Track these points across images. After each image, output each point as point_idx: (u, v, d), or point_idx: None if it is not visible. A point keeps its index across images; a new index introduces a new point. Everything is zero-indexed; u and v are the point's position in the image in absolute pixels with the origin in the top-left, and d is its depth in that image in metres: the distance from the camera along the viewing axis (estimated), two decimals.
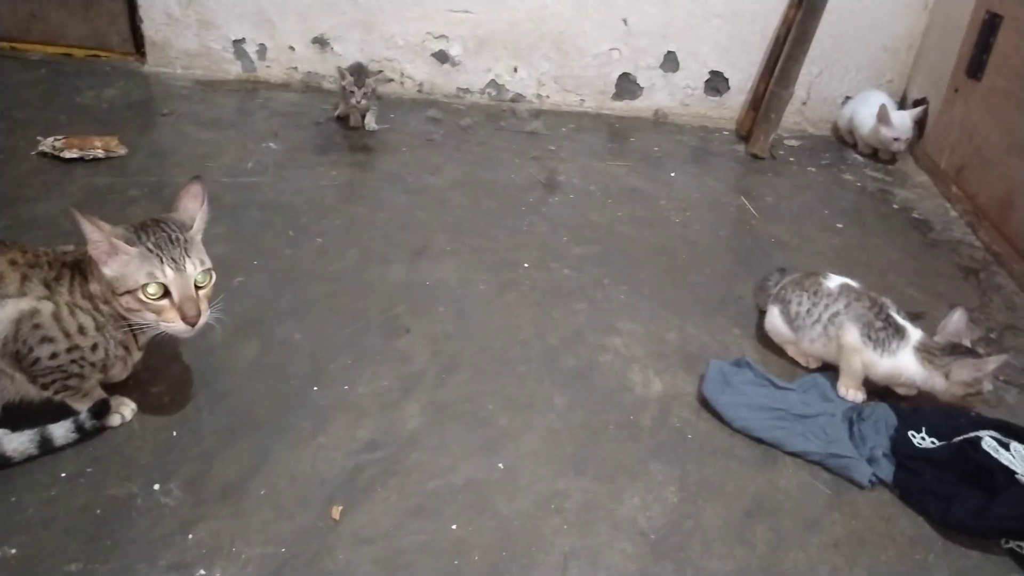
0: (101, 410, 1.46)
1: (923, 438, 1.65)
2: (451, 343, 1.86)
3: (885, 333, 1.74)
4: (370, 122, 2.96)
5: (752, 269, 2.27)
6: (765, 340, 1.97)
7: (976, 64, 2.83)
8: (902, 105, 3.31)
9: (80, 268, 1.38)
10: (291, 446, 1.52)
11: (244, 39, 3.25)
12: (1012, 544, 1.46)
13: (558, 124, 3.25)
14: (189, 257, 1.34)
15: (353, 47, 3.25)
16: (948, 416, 1.70)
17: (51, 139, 2.51)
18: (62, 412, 1.45)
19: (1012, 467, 1.51)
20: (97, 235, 1.28)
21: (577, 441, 1.62)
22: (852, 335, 1.76)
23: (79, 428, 1.44)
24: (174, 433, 1.52)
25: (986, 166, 2.70)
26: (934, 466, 1.57)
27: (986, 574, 1.43)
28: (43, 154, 2.47)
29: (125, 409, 1.52)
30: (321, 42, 3.26)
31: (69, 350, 1.36)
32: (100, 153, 2.50)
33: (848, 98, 3.38)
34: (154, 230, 1.34)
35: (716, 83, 3.39)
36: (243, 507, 1.38)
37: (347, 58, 3.14)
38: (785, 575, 1.38)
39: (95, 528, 1.31)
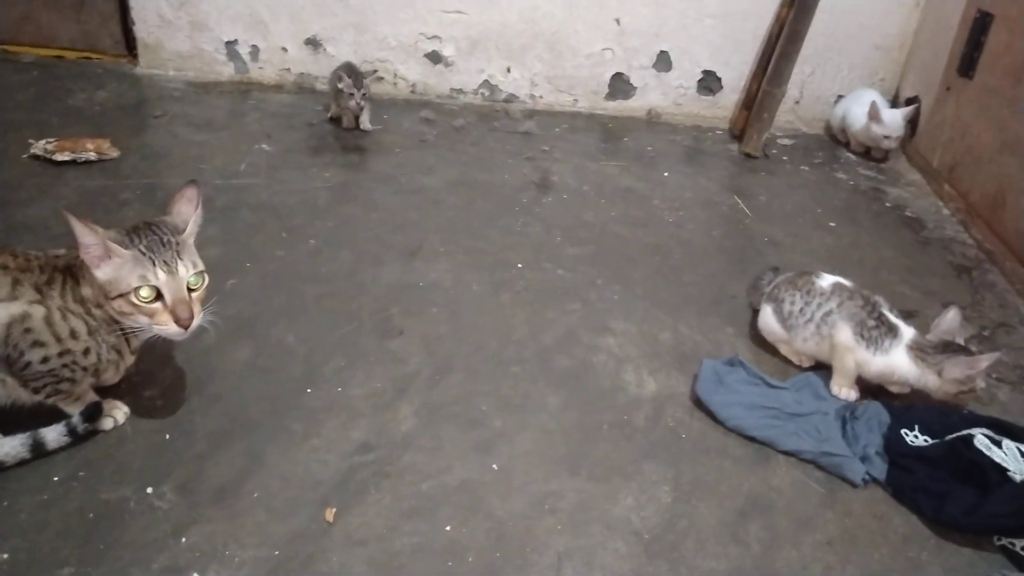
0: (93, 414, 1.45)
1: (916, 436, 1.65)
2: (445, 344, 1.86)
3: (878, 332, 1.74)
4: (365, 122, 2.96)
5: (745, 268, 2.27)
6: (758, 339, 1.97)
7: (968, 62, 2.84)
8: (894, 103, 3.31)
9: (72, 272, 1.37)
10: (284, 448, 1.52)
11: (237, 40, 3.25)
12: (1004, 541, 1.47)
13: (551, 124, 3.26)
14: (181, 260, 1.34)
15: (346, 48, 3.25)
16: (941, 414, 1.70)
17: (43, 142, 2.50)
18: (54, 416, 1.44)
19: (1004, 464, 1.51)
20: (92, 238, 1.28)
21: (571, 441, 1.62)
22: (845, 334, 1.77)
23: (71, 432, 1.43)
24: (167, 436, 1.51)
25: (978, 164, 2.71)
26: (927, 464, 1.57)
27: (979, 571, 1.43)
28: (35, 157, 2.46)
29: (118, 412, 1.52)
30: (314, 43, 3.25)
31: (61, 354, 1.35)
32: (92, 156, 2.49)
33: (841, 97, 3.38)
34: (146, 233, 1.34)
35: (709, 82, 3.40)
36: (236, 510, 1.38)
37: (340, 59, 3.13)
38: (778, 574, 1.39)
39: (88, 532, 1.31)
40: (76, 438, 1.44)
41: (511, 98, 3.40)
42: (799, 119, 3.48)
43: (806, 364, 1.90)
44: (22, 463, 1.40)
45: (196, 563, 1.27)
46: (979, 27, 2.79)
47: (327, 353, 1.78)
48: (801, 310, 1.84)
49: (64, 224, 1.27)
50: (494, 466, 1.54)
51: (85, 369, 1.40)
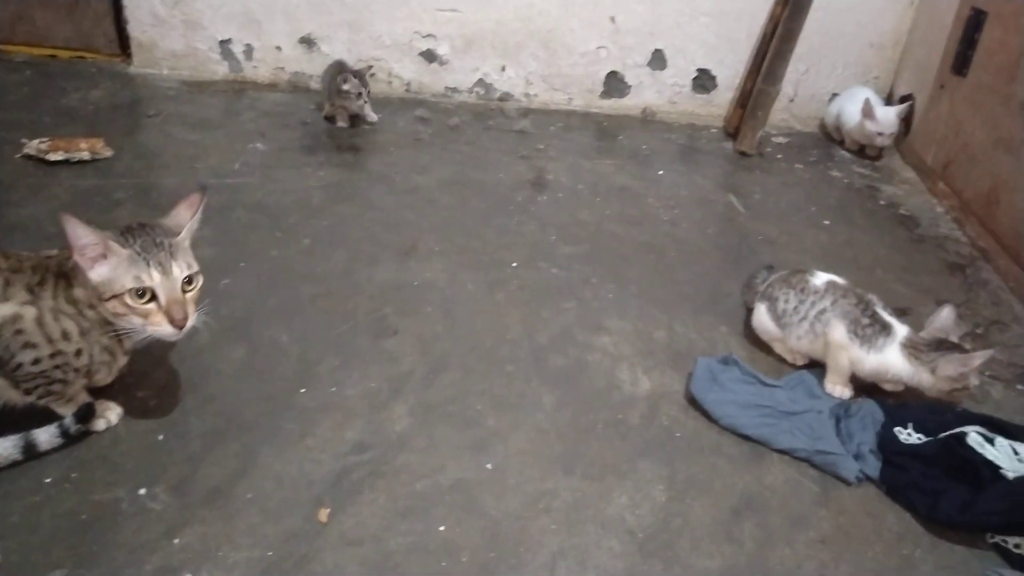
0: (86, 414, 1.45)
1: (909, 434, 1.66)
2: (439, 343, 1.86)
3: (871, 330, 1.75)
4: (371, 114, 3.00)
5: (740, 266, 2.28)
6: (752, 337, 1.97)
7: (961, 60, 2.84)
8: (889, 101, 3.32)
9: (64, 273, 1.37)
10: (278, 449, 1.51)
11: (231, 39, 3.24)
12: (997, 539, 1.47)
13: (546, 123, 3.25)
14: (175, 260, 1.33)
15: (340, 47, 3.25)
16: (934, 412, 1.71)
17: (36, 141, 2.49)
18: (47, 417, 1.44)
19: (997, 462, 1.51)
20: (92, 238, 1.28)
21: (565, 440, 1.62)
22: (839, 332, 1.77)
23: (64, 433, 1.43)
24: (160, 437, 1.51)
25: (972, 162, 2.72)
26: (920, 462, 1.57)
27: (972, 569, 1.43)
28: (28, 157, 2.45)
29: (111, 413, 1.51)
30: (308, 42, 3.25)
31: (52, 356, 1.35)
32: (86, 155, 2.48)
33: (835, 95, 3.39)
34: (139, 233, 1.33)
35: (704, 81, 3.40)
36: (230, 511, 1.37)
37: (335, 58, 3.12)
38: (772, 572, 1.39)
39: (80, 533, 1.30)
40: (69, 439, 1.44)
41: (506, 97, 3.40)
42: (794, 117, 3.48)
43: (800, 362, 1.91)
44: (14, 465, 1.39)
45: (189, 564, 1.27)
46: (973, 24, 2.80)
47: (321, 353, 1.78)
48: (795, 308, 1.84)
49: (59, 225, 1.26)
50: (488, 465, 1.54)
51: (77, 370, 1.40)
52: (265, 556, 1.30)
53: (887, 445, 1.63)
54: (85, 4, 3.19)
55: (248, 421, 1.57)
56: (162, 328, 1.33)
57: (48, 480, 1.39)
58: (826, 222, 2.66)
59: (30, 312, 1.32)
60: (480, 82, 3.37)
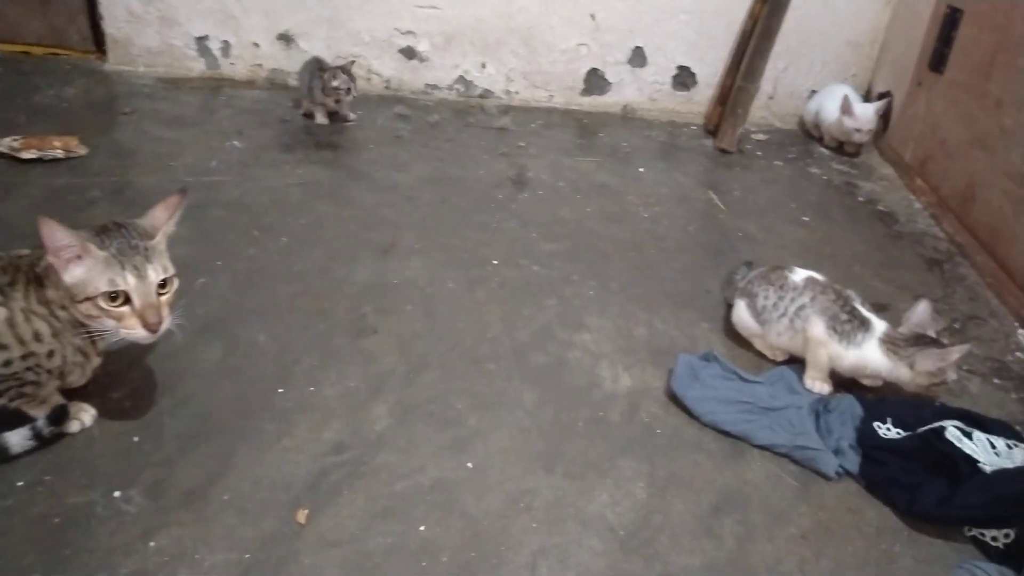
0: (59, 416, 1.43)
1: (888, 429, 1.67)
2: (419, 342, 1.85)
3: (850, 325, 1.75)
4: (349, 112, 2.99)
5: (720, 263, 2.28)
6: (733, 334, 1.98)
7: (938, 58, 2.87)
8: (867, 98, 3.34)
9: (36, 273, 1.34)
10: (255, 450, 1.49)
11: (207, 36, 3.20)
12: (975, 532, 1.48)
13: (527, 120, 3.25)
14: (151, 264, 1.31)
15: (319, 43, 3.22)
16: (913, 406, 1.72)
17: (8, 139, 2.44)
18: (18, 419, 1.41)
19: (975, 456, 1.53)
20: (69, 240, 1.25)
21: (546, 438, 1.62)
22: (818, 328, 1.78)
23: (37, 435, 1.40)
24: (135, 439, 1.49)
25: (949, 158, 2.74)
26: (899, 456, 1.58)
27: (950, 562, 1.44)
28: (0, 155, 2.41)
29: (84, 415, 1.49)
30: (286, 39, 3.22)
31: (24, 357, 1.32)
32: (59, 153, 2.44)
33: (814, 92, 3.41)
34: (116, 235, 1.31)
35: (683, 78, 3.40)
36: (206, 513, 1.35)
37: (312, 55, 3.09)
38: (753, 568, 1.39)
39: (54, 537, 1.28)
40: (41, 442, 1.41)
41: (486, 94, 3.38)
42: (773, 114, 3.50)
43: (780, 358, 1.91)
44: None
45: (165, 567, 1.25)
46: (949, 22, 2.82)
47: (299, 352, 1.76)
48: (775, 304, 1.84)
49: (33, 225, 1.23)
50: (469, 464, 1.53)
51: (50, 372, 1.38)
52: (242, 558, 1.28)
53: (866, 440, 1.64)
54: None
55: (225, 422, 1.55)
56: (135, 332, 1.31)
57: (20, 483, 1.36)
58: (805, 218, 2.67)
59: (1, 313, 1.29)
60: (460, 79, 3.35)
